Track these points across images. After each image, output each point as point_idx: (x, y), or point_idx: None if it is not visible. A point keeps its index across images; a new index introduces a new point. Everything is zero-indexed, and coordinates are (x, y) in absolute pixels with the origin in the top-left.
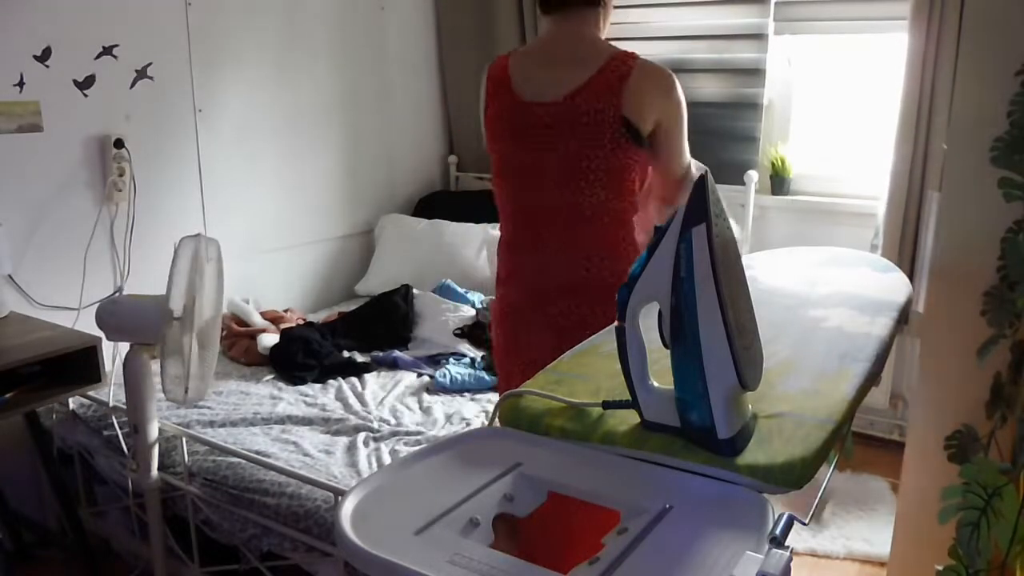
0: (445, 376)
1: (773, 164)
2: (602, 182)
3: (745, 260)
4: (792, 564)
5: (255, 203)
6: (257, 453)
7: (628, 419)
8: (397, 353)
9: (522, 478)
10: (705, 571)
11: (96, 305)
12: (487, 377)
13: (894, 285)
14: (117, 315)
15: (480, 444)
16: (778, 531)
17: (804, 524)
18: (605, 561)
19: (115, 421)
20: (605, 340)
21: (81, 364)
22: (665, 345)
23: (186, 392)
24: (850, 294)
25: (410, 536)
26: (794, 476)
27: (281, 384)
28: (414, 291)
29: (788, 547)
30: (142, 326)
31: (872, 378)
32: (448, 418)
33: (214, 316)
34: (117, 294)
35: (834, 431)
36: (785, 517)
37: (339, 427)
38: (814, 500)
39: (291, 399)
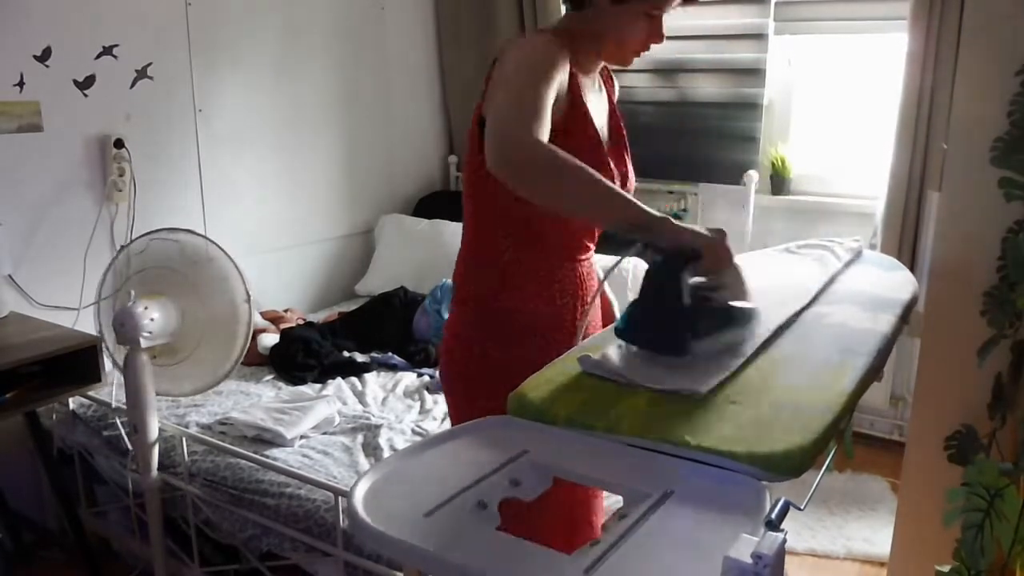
0: None
1: (773, 164)
2: None
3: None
4: (792, 564)
5: (255, 203)
6: (256, 453)
7: (631, 410)
8: (396, 360)
9: (529, 464)
10: (701, 552)
11: (95, 305)
12: None
13: (899, 283)
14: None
15: (489, 433)
16: (774, 515)
17: (800, 509)
18: (606, 543)
19: (116, 421)
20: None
21: (81, 364)
22: None
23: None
24: (854, 291)
25: (419, 518)
26: (794, 464)
27: (281, 384)
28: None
29: (783, 530)
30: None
31: (873, 372)
32: (448, 417)
33: (219, 315)
34: None
35: (834, 420)
36: (781, 502)
37: (338, 427)
38: (810, 488)
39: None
